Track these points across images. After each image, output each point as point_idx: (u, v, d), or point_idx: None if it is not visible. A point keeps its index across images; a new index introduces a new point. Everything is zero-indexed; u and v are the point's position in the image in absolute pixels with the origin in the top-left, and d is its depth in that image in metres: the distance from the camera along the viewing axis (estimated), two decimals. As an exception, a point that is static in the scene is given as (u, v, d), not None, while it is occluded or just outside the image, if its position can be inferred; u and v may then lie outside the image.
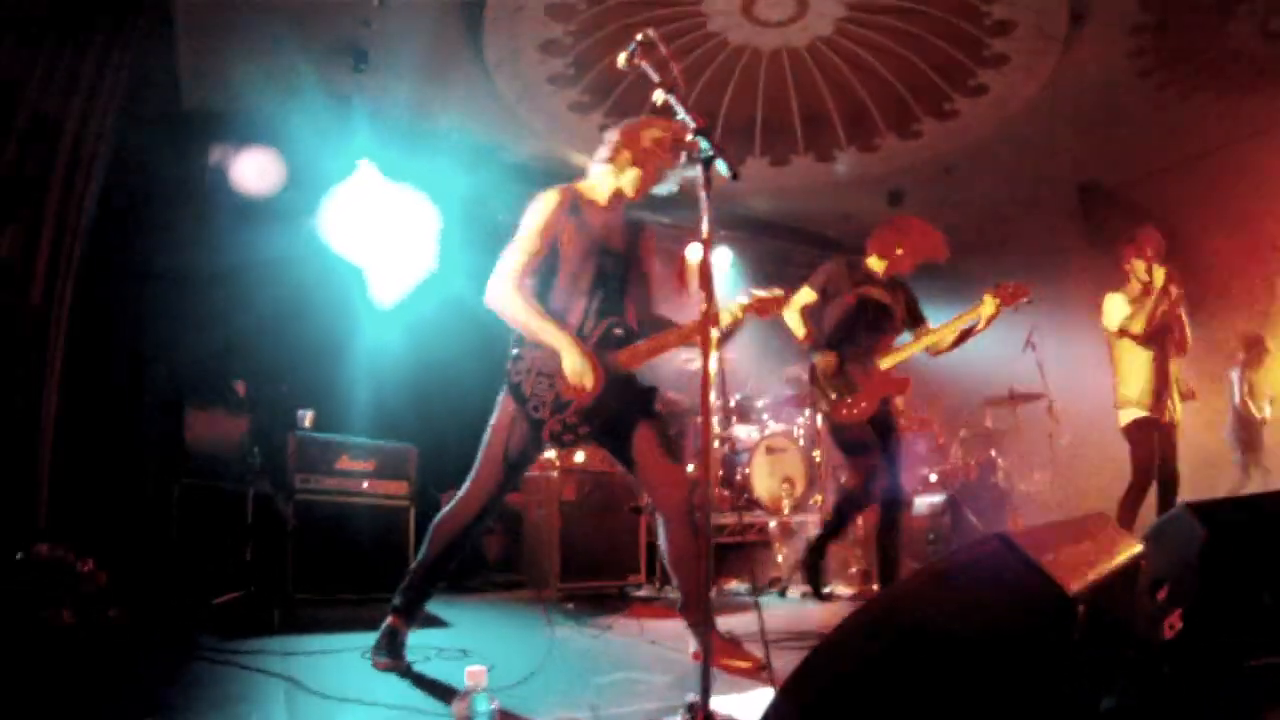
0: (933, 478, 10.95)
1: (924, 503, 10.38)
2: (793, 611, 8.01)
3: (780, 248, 13.87)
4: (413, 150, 10.99)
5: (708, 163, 3.84)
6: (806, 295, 7.51)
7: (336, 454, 7.59)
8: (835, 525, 7.78)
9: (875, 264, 7.66)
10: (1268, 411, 11.98)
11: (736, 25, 9.96)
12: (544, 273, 5.05)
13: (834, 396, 7.24)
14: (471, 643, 5.48)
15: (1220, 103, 11.47)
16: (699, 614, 4.73)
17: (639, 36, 4.18)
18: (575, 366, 4.77)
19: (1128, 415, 8.39)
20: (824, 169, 12.52)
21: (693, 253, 12.82)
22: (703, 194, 3.80)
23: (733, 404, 11.35)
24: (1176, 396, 8.44)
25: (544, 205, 5.03)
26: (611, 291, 5.13)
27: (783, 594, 9.01)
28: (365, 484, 7.62)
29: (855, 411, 7.19)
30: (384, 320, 10.38)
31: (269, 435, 8.18)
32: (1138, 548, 3.55)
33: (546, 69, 10.28)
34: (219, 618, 6.68)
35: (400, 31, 9.31)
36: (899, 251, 7.58)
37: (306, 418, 7.94)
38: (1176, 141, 12.45)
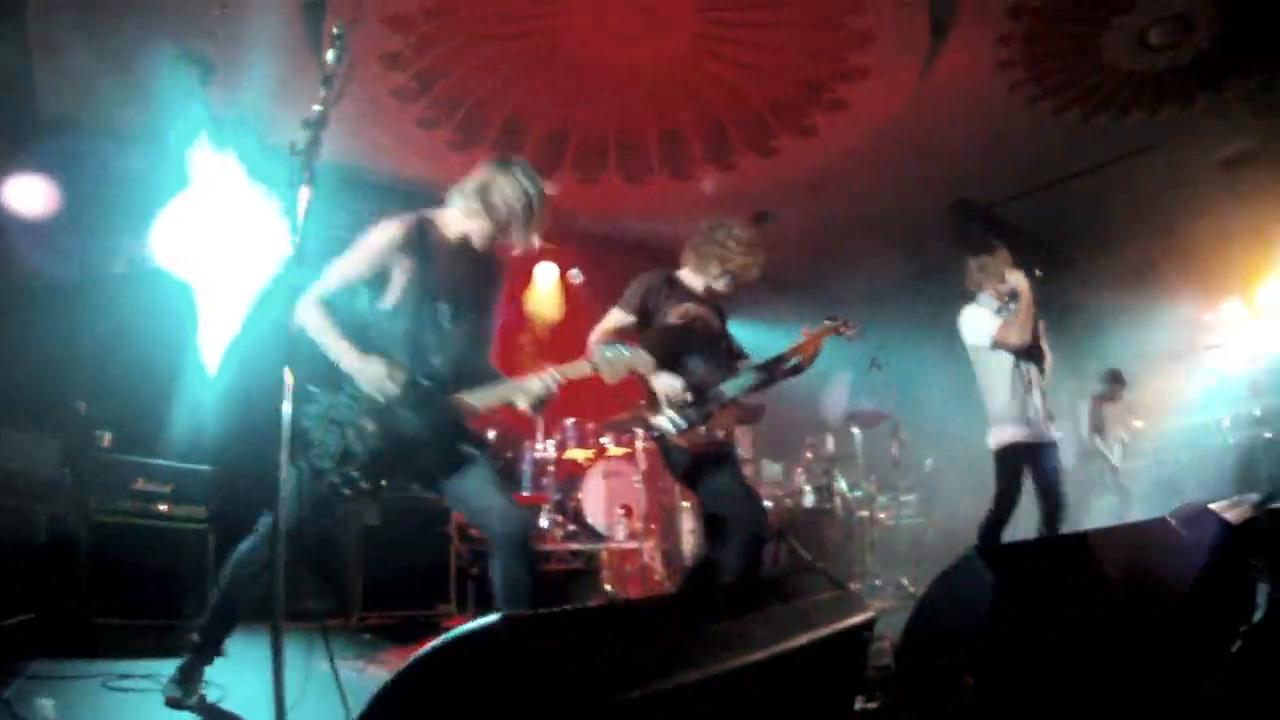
0: (768, 504, 10.95)
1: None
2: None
3: (638, 269, 13.89)
4: (262, 166, 11.01)
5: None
6: (620, 318, 6.64)
7: (132, 475, 7.61)
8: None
9: (692, 279, 6.88)
10: (1117, 456, 12.30)
11: (590, 40, 10.02)
12: (372, 304, 5.03)
13: (682, 424, 6.31)
14: (231, 675, 5.32)
15: (1095, 120, 11.80)
16: None
17: (334, 30, 4.17)
18: (373, 379, 4.81)
19: (996, 435, 8.10)
20: (684, 187, 12.69)
21: (545, 273, 13.00)
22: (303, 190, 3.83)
23: (569, 426, 11.52)
24: (1045, 411, 8.15)
25: (379, 234, 4.99)
26: (435, 338, 5.04)
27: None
28: (163, 506, 7.66)
29: (713, 440, 6.40)
30: (215, 340, 10.39)
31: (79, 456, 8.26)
32: (862, 616, 3.41)
33: (389, 82, 10.33)
34: (7, 640, 6.72)
35: (246, 42, 9.33)
36: (713, 266, 6.75)
37: (105, 438, 8.04)
38: (1050, 159, 12.79)
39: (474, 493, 5.01)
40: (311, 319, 4.81)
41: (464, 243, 5.20)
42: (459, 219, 5.19)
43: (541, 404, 5.11)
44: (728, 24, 9.84)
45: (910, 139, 11.94)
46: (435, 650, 2.21)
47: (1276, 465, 11.69)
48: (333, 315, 4.86)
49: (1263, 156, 12.28)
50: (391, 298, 4.98)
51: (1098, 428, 12.44)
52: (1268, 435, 12.19)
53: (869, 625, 3.41)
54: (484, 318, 5.33)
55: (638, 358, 5.33)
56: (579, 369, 5.19)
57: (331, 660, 4.14)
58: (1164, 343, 13.64)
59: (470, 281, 5.21)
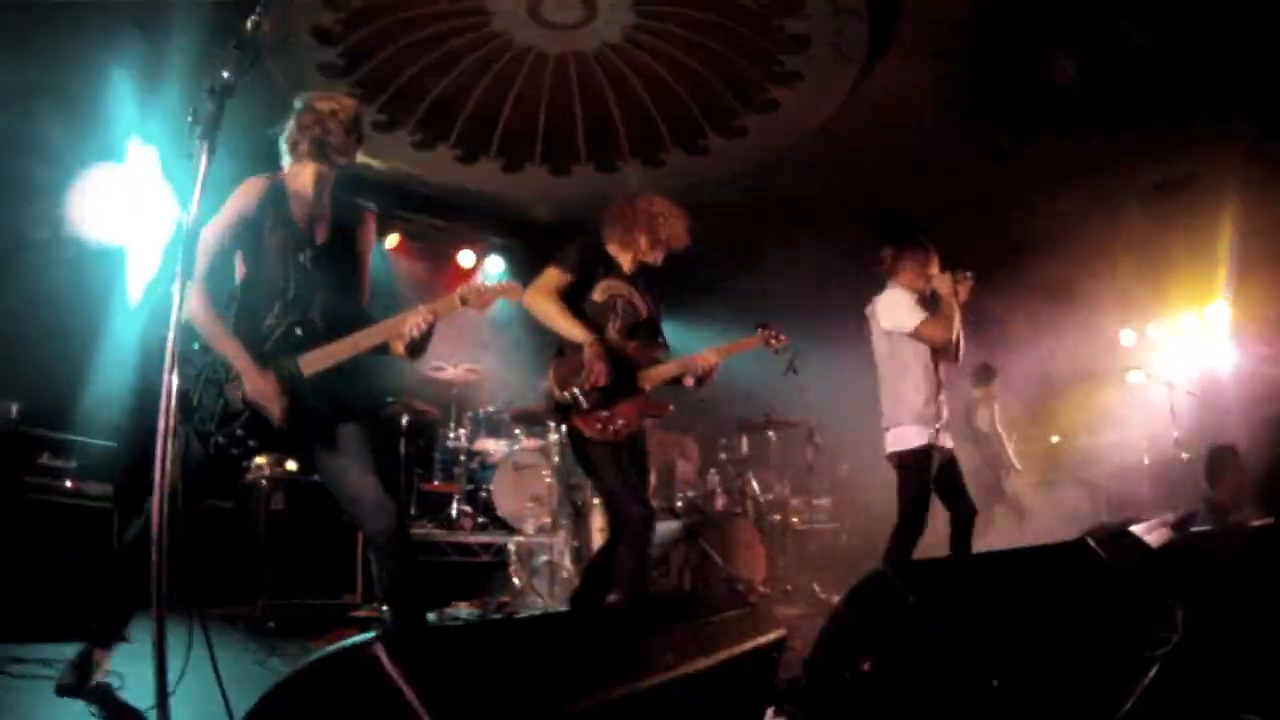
0: (678, 502, 10.98)
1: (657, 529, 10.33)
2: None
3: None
4: (186, 133, 10.79)
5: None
6: (557, 277, 6.29)
7: (37, 449, 7.48)
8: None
9: (619, 254, 6.63)
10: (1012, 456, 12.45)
11: (522, 25, 10.05)
12: (245, 267, 4.93)
13: (586, 407, 6.15)
14: (128, 663, 4.89)
15: (1030, 141, 12.01)
16: None
17: None
18: (255, 389, 4.66)
19: (906, 437, 7.45)
20: (608, 180, 12.66)
21: (465, 259, 13.02)
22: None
23: (482, 415, 11.62)
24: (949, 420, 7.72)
25: (235, 198, 4.85)
26: (304, 287, 4.93)
27: (507, 622, 8.85)
28: (68, 483, 7.53)
29: (615, 429, 6.17)
30: (134, 312, 10.25)
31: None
32: (773, 635, 3.40)
33: (318, 57, 10.29)
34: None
35: (175, 6, 9.22)
36: (642, 238, 6.59)
37: (12, 409, 7.93)
38: (976, 177, 12.99)
39: (348, 478, 4.86)
40: (193, 311, 4.65)
41: (315, 192, 5.11)
42: (298, 172, 5.11)
43: (418, 346, 5.00)
44: (664, 19, 9.93)
45: (839, 145, 12.12)
46: (313, 665, 2.17)
47: (1193, 487, 11.86)
48: (208, 303, 4.71)
49: (1188, 187, 12.55)
50: (258, 254, 4.91)
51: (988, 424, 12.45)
52: (1185, 456, 12.40)
53: (779, 645, 3.40)
54: (348, 266, 5.23)
55: (507, 285, 5.31)
56: (449, 304, 5.03)
57: (210, 648, 3.94)
58: (1082, 361, 13.86)
59: (328, 230, 5.15)
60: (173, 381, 3.52)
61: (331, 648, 2.16)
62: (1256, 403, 12.65)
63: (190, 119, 3.70)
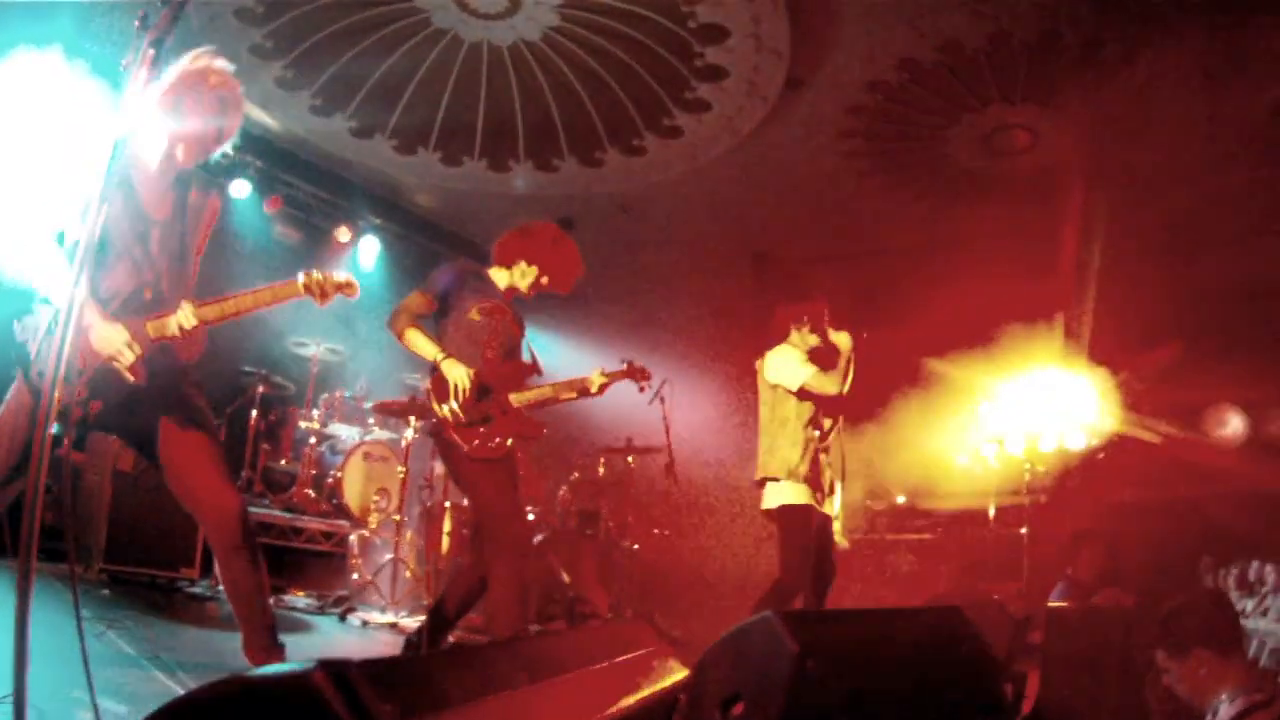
0: (530, 518, 10.87)
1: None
2: (342, 641, 7.93)
3: (440, 251, 13.68)
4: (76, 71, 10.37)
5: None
6: (419, 303, 6.45)
7: None
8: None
9: (499, 276, 6.79)
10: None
11: (443, 7, 9.90)
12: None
13: (465, 422, 6.15)
14: None
15: (920, 204, 12.32)
16: (261, 654, 4.59)
17: None
18: (101, 334, 4.31)
19: (782, 493, 7.43)
20: (498, 178, 12.65)
21: (342, 234, 12.77)
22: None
23: (338, 399, 11.38)
24: (830, 476, 7.69)
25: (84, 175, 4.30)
26: (149, 257, 4.65)
27: (343, 618, 8.69)
28: None
29: (491, 446, 6.18)
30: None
31: None
32: (679, 674, 3.39)
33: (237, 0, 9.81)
34: None
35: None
36: (525, 265, 6.71)
37: None
38: (864, 231, 13.27)
39: (185, 467, 4.61)
40: (15, 259, 4.34)
41: (165, 165, 4.77)
42: (152, 141, 4.73)
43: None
44: (585, 25, 9.90)
45: (733, 179, 12.24)
46: (237, 689, 1.95)
47: (1039, 561, 12.03)
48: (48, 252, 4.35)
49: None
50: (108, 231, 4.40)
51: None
52: (1024, 531, 12.57)
53: (685, 685, 3.33)
54: (187, 246, 4.87)
55: (345, 279, 4.89)
56: (291, 289, 4.76)
57: (79, 619, 3.69)
58: (939, 425, 14.01)
59: (179, 204, 4.84)
60: (67, 332, 3.11)
61: (261, 672, 1.99)
62: (1117, 485, 12.93)
63: (138, 24, 3.28)
